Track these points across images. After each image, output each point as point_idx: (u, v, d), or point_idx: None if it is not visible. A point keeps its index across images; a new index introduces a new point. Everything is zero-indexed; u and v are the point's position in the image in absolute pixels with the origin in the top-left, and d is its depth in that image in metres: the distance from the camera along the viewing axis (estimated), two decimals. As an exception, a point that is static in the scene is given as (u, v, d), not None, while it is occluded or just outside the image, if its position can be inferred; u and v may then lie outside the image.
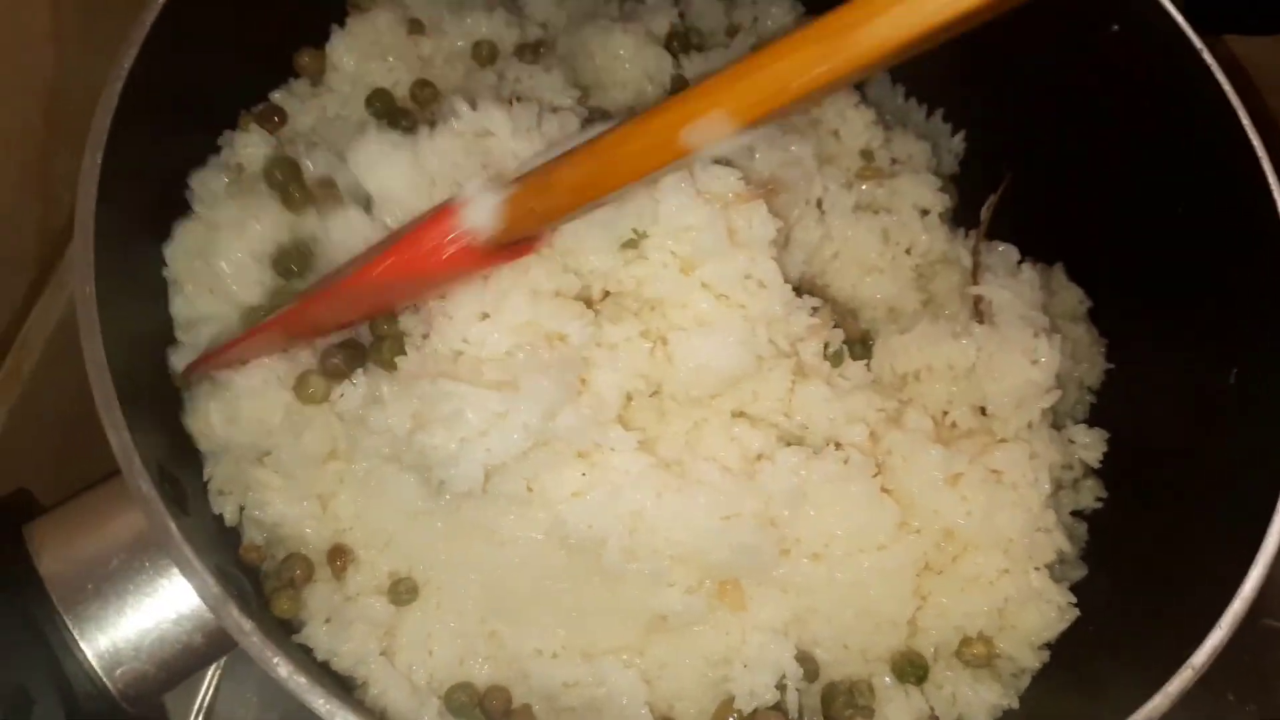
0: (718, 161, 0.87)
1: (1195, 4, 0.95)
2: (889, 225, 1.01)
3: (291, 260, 0.91)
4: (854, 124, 1.05)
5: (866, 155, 1.04)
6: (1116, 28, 0.98)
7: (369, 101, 1.02)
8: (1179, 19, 0.94)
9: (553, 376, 0.82)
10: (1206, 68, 0.92)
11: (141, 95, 0.82)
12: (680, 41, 1.10)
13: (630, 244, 0.85)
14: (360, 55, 1.04)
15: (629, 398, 0.88)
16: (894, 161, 1.07)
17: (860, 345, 0.97)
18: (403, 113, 1.01)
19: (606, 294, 0.89)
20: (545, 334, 0.84)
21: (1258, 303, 0.90)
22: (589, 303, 0.88)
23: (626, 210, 0.85)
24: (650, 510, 0.83)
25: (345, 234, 0.89)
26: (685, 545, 0.84)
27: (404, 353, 0.86)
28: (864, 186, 1.01)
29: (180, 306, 0.92)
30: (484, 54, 1.05)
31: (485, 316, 0.83)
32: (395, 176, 0.87)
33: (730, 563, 0.85)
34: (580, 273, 0.87)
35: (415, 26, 1.06)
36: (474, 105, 0.88)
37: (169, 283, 0.92)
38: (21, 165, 0.94)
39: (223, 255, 0.90)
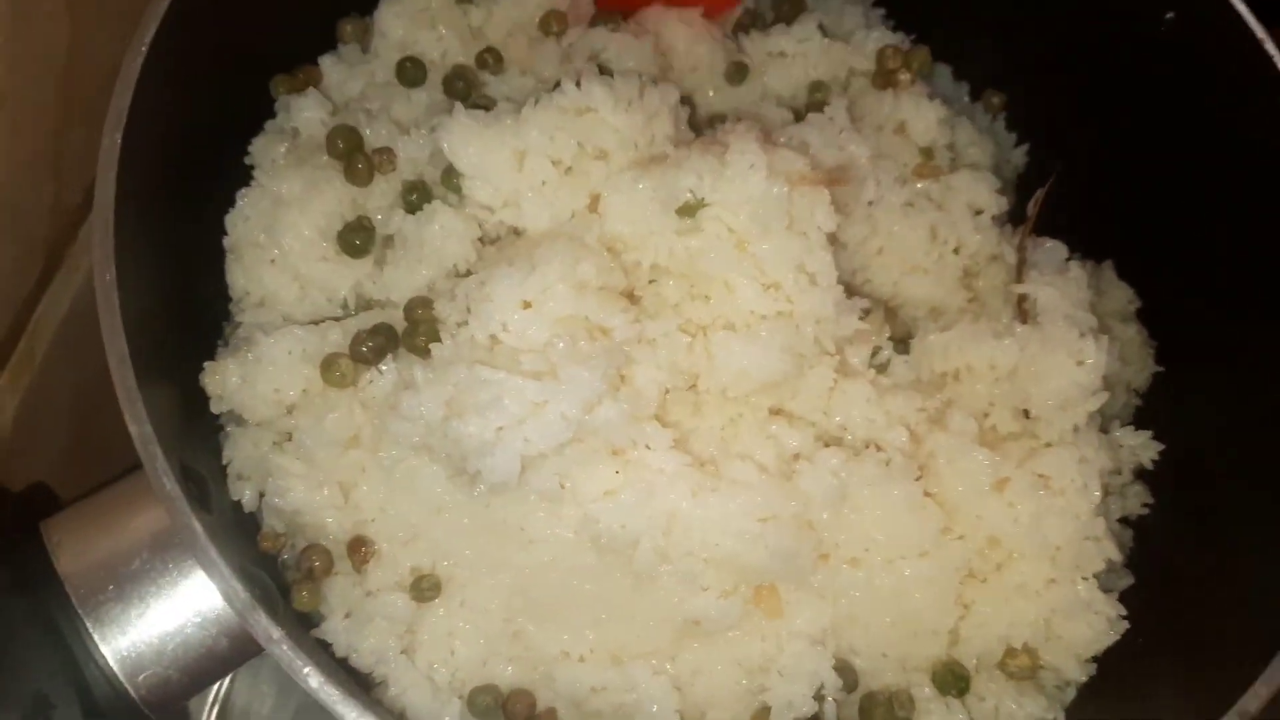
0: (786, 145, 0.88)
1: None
2: (938, 223, 0.97)
3: (356, 236, 0.90)
4: (928, 117, 1.01)
5: (926, 153, 1.01)
6: (1171, 15, 0.94)
7: (399, 70, 1.00)
8: (1240, 7, 0.90)
9: (593, 368, 0.79)
10: (1269, 58, 0.88)
11: (163, 70, 0.79)
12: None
13: (687, 209, 0.83)
14: (409, 22, 1.02)
15: (666, 392, 0.85)
16: (954, 157, 1.03)
17: (900, 344, 0.94)
18: (450, 83, 0.99)
19: (652, 281, 0.86)
20: (587, 327, 0.82)
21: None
22: (632, 295, 0.86)
23: (686, 171, 0.83)
24: (685, 511, 0.81)
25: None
26: (721, 548, 0.82)
27: (438, 339, 0.84)
28: (919, 185, 0.98)
29: (238, 276, 0.92)
30: (553, 26, 1.04)
31: (527, 305, 0.81)
32: (486, 154, 0.87)
33: (767, 567, 0.83)
34: (630, 245, 0.86)
35: (466, -5, 1.04)
36: (579, 83, 0.87)
37: (227, 251, 0.92)
38: (34, 143, 0.91)
39: (288, 231, 0.90)
